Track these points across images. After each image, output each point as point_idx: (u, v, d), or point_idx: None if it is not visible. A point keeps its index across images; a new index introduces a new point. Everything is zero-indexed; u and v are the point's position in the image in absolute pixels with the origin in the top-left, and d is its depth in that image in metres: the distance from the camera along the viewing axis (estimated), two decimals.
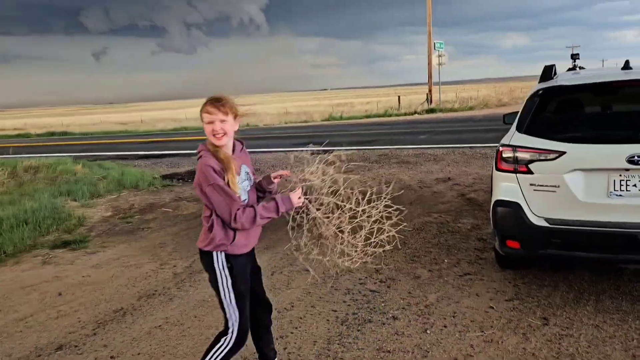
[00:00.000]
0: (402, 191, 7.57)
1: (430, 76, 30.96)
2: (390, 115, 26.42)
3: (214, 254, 2.49)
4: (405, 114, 26.19)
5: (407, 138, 14.39)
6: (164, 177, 10.25)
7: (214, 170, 2.36)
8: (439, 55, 27.69)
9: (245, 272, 2.61)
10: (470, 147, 11.25)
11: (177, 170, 11.32)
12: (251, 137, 18.61)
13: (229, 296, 2.51)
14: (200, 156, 2.45)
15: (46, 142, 23.99)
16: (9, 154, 14.56)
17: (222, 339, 2.54)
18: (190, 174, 10.56)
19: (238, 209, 2.37)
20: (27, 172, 12.01)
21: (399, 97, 35.35)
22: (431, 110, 26.53)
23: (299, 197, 2.53)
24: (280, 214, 2.46)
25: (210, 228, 2.45)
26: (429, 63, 30.57)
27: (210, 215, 2.44)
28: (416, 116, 24.75)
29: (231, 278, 2.51)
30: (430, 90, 30.87)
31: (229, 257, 2.51)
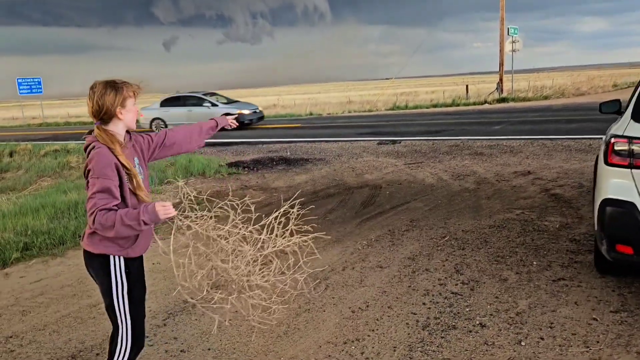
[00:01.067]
0: (479, 185, 7.23)
1: (501, 64, 29.52)
2: (458, 105, 25.42)
3: (112, 257, 2.23)
4: (474, 104, 25.09)
5: (479, 129, 13.69)
6: (230, 164, 10.26)
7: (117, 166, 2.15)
8: (513, 42, 26.27)
9: (142, 276, 2.43)
10: (551, 139, 10.48)
11: (242, 158, 11.32)
12: (314, 126, 18.45)
13: (123, 304, 2.27)
14: (94, 147, 2.17)
15: None
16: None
17: (117, 351, 2.29)
18: (255, 162, 10.52)
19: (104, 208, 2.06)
20: None
21: (466, 85, 34.02)
22: (503, 100, 25.27)
23: (165, 207, 2.09)
24: (143, 225, 2.07)
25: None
26: (501, 50, 29.14)
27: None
28: (486, 106, 23.65)
29: (128, 284, 2.28)
30: (501, 79, 29.46)
31: (127, 261, 2.27)
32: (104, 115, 2.21)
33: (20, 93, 32.65)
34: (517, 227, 5.15)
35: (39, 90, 33.60)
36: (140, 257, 2.40)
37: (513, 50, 26.55)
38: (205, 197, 2.75)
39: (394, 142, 12.00)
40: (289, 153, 11.48)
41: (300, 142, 13.53)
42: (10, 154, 14.65)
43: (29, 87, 32.84)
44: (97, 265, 2.25)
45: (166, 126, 18.71)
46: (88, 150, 2.20)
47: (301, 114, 27.45)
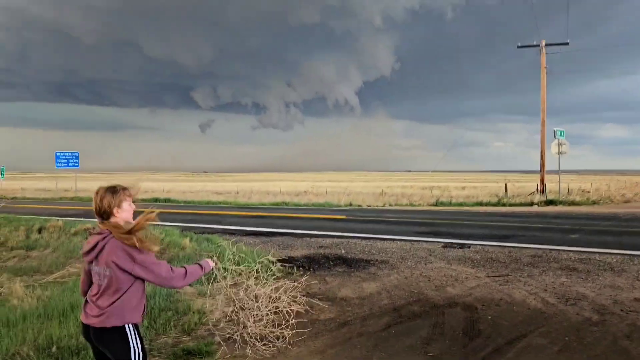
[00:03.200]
0: (602, 315, 5.86)
1: (542, 165, 28.62)
2: (504, 205, 24.16)
3: (127, 327, 2.66)
4: (520, 204, 23.84)
5: (554, 236, 12.30)
6: (281, 261, 9.05)
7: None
8: (560, 144, 25.47)
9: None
10: None
11: (291, 253, 10.13)
12: (361, 219, 17.31)
13: None
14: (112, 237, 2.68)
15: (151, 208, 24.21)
16: None
17: None
18: (308, 259, 9.30)
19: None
20: None
21: (505, 184, 33.01)
22: (550, 202, 23.99)
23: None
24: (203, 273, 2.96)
25: (118, 301, 2.64)
26: (542, 151, 28.37)
27: (120, 290, 2.64)
28: (536, 208, 22.33)
29: (141, 346, 2.72)
30: (542, 180, 28.44)
31: (137, 327, 2.73)
32: (103, 214, 2.76)
33: (58, 166, 32.78)
34: None
35: (75, 164, 33.75)
36: None
37: (560, 153, 25.68)
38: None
39: (461, 246, 10.70)
40: (344, 251, 10.25)
41: (352, 237, 12.34)
42: (39, 230, 13.76)
43: (66, 160, 33.03)
44: (114, 337, 2.64)
45: None
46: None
47: (339, 203, 26.47)
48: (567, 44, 26.94)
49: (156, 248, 2.74)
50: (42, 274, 8.82)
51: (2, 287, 7.54)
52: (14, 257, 10.95)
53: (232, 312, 5.69)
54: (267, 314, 5.23)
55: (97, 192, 2.80)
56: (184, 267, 2.86)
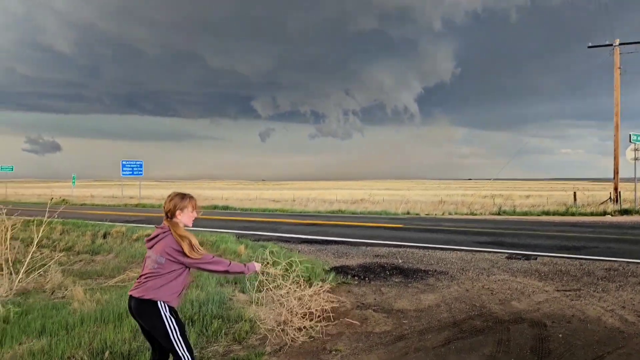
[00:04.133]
0: None
1: (616, 172, 26.86)
2: (573, 214, 22.79)
3: (160, 304, 3.18)
4: (592, 214, 22.39)
5: (631, 248, 11.34)
6: (336, 270, 8.85)
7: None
8: (635, 149, 23.78)
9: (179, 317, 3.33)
10: None
11: (346, 262, 9.89)
12: (419, 228, 16.82)
13: (177, 336, 3.19)
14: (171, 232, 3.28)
15: (209, 215, 24.74)
16: None
17: None
18: (363, 269, 9.04)
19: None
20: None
21: (574, 192, 31.22)
22: (625, 212, 22.40)
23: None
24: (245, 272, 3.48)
25: (160, 282, 3.20)
26: (615, 157, 26.65)
27: (164, 275, 3.20)
28: (609, 217, 20.89)
29: (176, 322, 3.22)
30: (616, 188, 26.66)
31: (173, 310, 3.25)
32: (168, 212, 3.36)
33: (123, 174, 34.22)
34: None
35: (139, 172, 35.09)
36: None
37: (636, 159, 23.97)
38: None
39: (527, 257, 10.08)
40: (400, 261, 9.90)
41: (409, 247, 11.94)
42: (104, 236, 14.29)
43: (131, 169, 34.41)
44: (150, 310, 3.20)
45: None
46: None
47: (396, 212, 25.96)
48: None
49: (198, 256, 3.22)
50: (105, 277, 9.06)
51: (66, 289, 7.79)
52: (80, 260, 11.38)
53: (283, 321, 5.55)
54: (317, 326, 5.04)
55: (169, 195, 3.42)
56: (229, 260, 3.40)
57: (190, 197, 3.41)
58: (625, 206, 23.68)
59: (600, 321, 5.81)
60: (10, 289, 7.65)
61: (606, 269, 8.81)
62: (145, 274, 3.22)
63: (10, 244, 9.19)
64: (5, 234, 8.93)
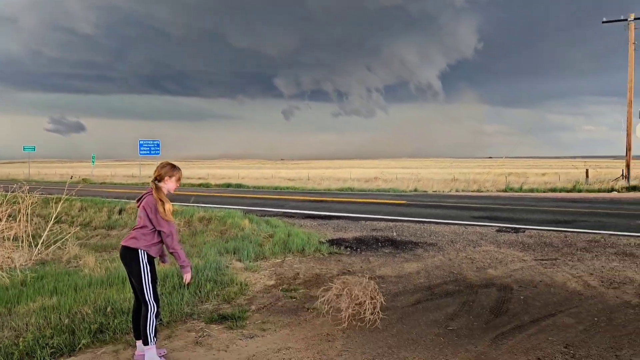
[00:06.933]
0: (636, 301, 5.67)
1: (629, 148, 26.76)
2: (580, 191, 22.94)
3: (140, 252, 3.76)
4: (599, 190, 22.53)
5: (619, 222, 11.71)
6: (331, 242, 9.41)
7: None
8: None
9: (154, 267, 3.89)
10: None
11: (343, 235, 10.44)
12: (421, 204, 17.28)
13: (148, 282, 3.77)
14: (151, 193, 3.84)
15: (222, 192, 25.50)
16: (190, 202, 15.29)
17: (148, 315, 3.75)
18: (358, 241, 9.58)
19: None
20: (200, 223, 12.23)
21: (586, 170, 31.14)
22: (633, 188, 22.47)
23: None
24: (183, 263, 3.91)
25: (141, 233, 3.80)
26: (628, 134, 26.50)
27: (146, 228, 3.80)
28: (615, 194, 21.04)
29: (150, 270, 3.80)
30: (628, 165, 26.61)
31: (150, 259, 3.83)
32: (157, 177, 3.90)
33: (141, 154, 35.11)
34: None
35: (157, 151, 35.93)
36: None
37: None
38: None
39: (516, 230, 10.51)
40: (395, 234, 10.42)
41: (406, 221, 12.44)
42: (120, 212, 15.06)
43: (148, 148, 35.25)
44: (131, 256, 3.78)
45: None
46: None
47: (405, 189, 26.36)
48: None
49: (167, 218, 3.78)
50: (119, 250, 9.77)
51: (80, 260, 8.50)
52: (97, 235, 12.16)
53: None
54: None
55: (161, 163, 3.97)
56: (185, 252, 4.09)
57: (179, 169, 3.98)
58: (634, 183, 23.70)
59: (565, 286, 6.27)
60: (30, 259, 8.39)
61: (588, 240, 9.20)
62: (134, 227, 3.86)
63: (30, 219, 9.96)
64: (26, 210, 9.68)
